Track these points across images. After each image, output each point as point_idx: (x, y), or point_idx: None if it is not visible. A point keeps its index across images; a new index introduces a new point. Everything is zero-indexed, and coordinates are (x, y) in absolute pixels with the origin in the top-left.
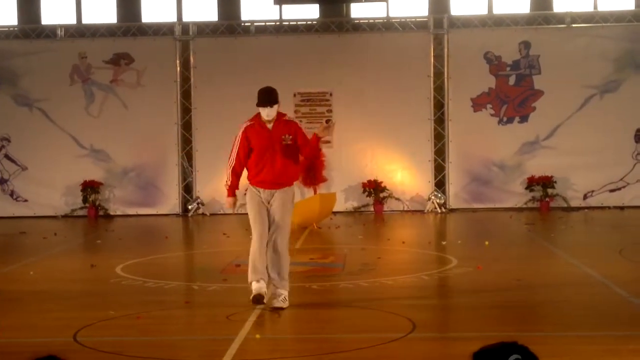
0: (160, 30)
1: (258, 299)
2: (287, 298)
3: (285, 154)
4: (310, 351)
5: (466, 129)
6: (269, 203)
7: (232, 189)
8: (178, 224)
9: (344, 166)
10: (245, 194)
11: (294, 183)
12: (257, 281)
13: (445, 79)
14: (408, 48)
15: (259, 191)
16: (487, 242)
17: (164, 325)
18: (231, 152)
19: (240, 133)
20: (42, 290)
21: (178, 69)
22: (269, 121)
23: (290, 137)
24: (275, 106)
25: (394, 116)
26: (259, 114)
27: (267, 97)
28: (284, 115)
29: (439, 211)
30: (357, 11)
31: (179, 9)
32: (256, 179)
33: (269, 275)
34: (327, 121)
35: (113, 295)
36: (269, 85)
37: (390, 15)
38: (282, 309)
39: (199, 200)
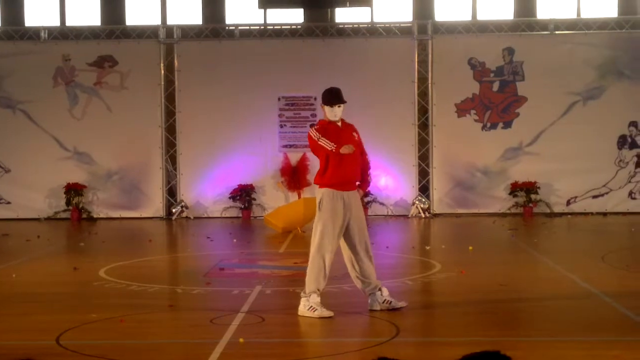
0: (144, 33)
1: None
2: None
3: (358, 150)
4: (293, 355)
5: (450, 134)
6: (347, 208)
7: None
8: (162, 227)
9: None
10: (320, 201)
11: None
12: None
13: (429, 85)
14: (392, 53)
15: (341, 195)
16: (470, 247)
17: (147, 329)
18: (322, 147)
19: (315, 132)
20: (24, 292)
21: (162, 72)
22: (337, 121)
23: (356, 134)
24: (344, 106)
25: (378, 121)
26: (321, 120)
27: (340, 95)
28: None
29: (423, 216)
30: (342, 16)
31: (164, 12)
32: (340, 179)
33: (363, 282)
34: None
35: (96, 299)
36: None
37: (375, 20)
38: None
39: (183, 203)
